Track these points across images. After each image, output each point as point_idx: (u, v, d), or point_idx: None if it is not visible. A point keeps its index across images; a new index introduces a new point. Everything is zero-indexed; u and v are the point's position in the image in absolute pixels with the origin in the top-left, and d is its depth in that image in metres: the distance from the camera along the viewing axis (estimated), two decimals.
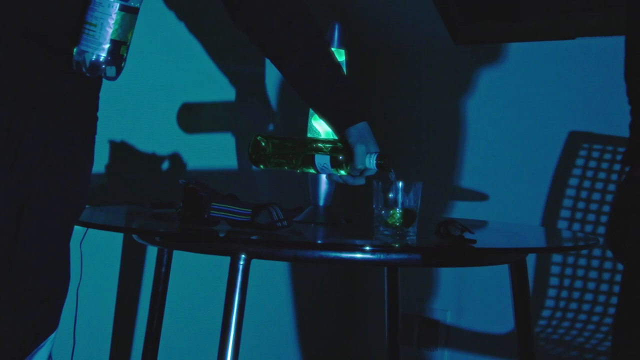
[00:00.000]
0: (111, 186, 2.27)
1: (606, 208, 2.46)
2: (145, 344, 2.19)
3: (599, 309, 2.44)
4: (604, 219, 2.46)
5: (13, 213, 1.36)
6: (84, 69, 1.35)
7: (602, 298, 2.44)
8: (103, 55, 1.34)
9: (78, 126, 1.43)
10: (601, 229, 2.47)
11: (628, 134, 1.61)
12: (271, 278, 2.71)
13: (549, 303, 2.51)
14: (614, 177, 2.46)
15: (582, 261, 2.48)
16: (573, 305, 2.48)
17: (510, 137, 2.65)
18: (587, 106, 2.50)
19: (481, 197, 2.69)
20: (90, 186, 1.48)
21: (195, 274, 2.44)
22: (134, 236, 1.88)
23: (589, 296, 2.46)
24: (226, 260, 1.59)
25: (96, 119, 1.48)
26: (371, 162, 1.59)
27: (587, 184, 2.50)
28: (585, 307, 2.46)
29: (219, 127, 2.55)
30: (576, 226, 2.51)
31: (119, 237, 2.30)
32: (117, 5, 1.34)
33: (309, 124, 1.96)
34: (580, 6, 2.57)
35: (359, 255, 1.59)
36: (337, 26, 1.98)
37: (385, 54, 2.95)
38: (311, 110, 1.92)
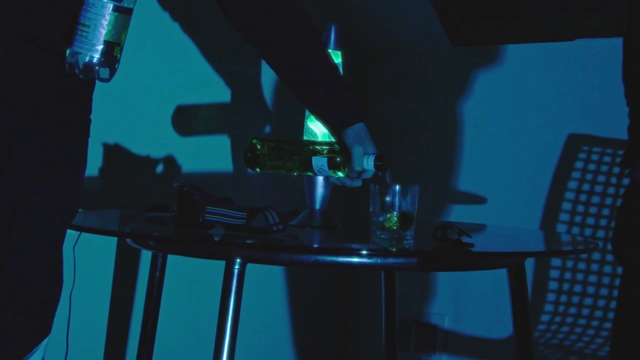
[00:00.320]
0: (105, 189, 2.27)
1: (606, 211, 2.46)
2: (140, 349, 2.18)
3: (598, 313, 2.44)
4: (603, 222, 2.47)
5: (4, 217, 1.36)
6: (77, 71, 1.35)
7: (601, 302, 2.44)
8: (96, 57, 1.34)
9: (71, 129, 1.43)
10: (601, 233, 2.47)
11: (627, 136, 1.60)
12: (267, 282, 2.71)
13: (548, 307, 2.51)
14: (613, 180, 2.46)
15: (582, 265, 2.48)
16: (572, 310, 2.48)
17: (509, 139, 2.66)
18: (587, 108, 2.51)
19: (479, 200, 2.70)
20: (83, 189, 1.48)
21: (190, 279, 2.44)
22: (128, 240, 1.87)
23: (588, 301, 2.46)
24: (221, 264, 1.58)
25: (89, 121, 1.47)
26: (369, 163, 1.59)
27: (586, 187, 2.50)
28: (585, 311, 2.46)
29: (213, 130, 2.55)
30: (575, 230, 2.51)
31: (112, 241, 2.29)
32: (110, 6, 1.34)
33: (305, 126, 1.95)
34: (580, 7, 2.58)
35: (355, 260, 1.59)
36: (333, 27, 1.98)
37: (383, 55, 2.96)
38: (307, 112, 1.92)
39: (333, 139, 1.66)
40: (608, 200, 2.47)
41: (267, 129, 2.69)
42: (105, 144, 2.25)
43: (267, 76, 2.62)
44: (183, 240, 1.68)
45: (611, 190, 2.47)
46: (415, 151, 2.86)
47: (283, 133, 2.66)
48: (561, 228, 2.52)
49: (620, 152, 2.42)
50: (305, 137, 1.95)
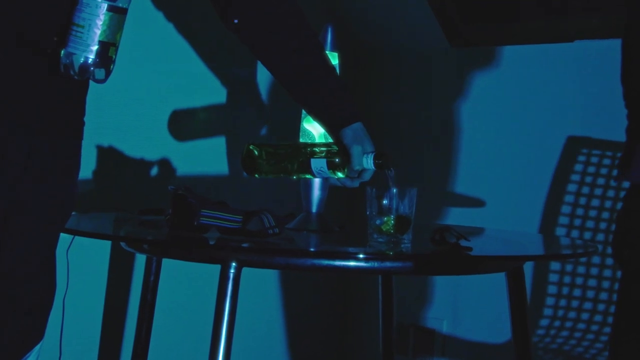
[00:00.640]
0: (98, 192, 2.27)
1: (605, 214, 2.47)
2: (134, 354, 2.18)
3: (598, 317, 2.45)
4: (603, 225, 2.47)
5: None
6: (72, 72, 1.34)
7: (601, 307, 2.45)
8: (91, 57, 1.34)
9: (64, 131, 1.42)
10: (600, 236, 2.48)
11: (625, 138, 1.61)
12: (263, 286, 2.71)
13: (547, 312, 2.51)
14: (613, 182, 2.47)
15: (581, 269, 2.49)
16: (572, 314, 2.49)
17: (508, 142, 2.66)
18: (586, 110, 2.51)
19: (477, 203, 2.70)
20: (77, 193, 1.47)
21: (185, 283, 2.44)
22: (122, 244, 1.87)
23: (587, 305, 2.47)
24: (216, 268, 1.58)
25: (83, 123, 1.47)
26: (368, 162, 1.59)
27: (585, 189, 2.51)
28: (584, 316, 2.47)
29: (209, 132, 2.55)
30: (575, 233, 2.51)
31: (106, 244, 2.29)
32: (105, 6, 1.33)
33: (301, 127, 1.95)
34: (579, 7, 2.58)
35: (352, 263, 1.58)
36: (330, 28, 1.98)
37: (380, 56, 2.96)
38: (303, 113, 1.93)
39: (330, 140, 1.66)
40: (608, 203, 2.47)
41: (263, 130, 2.69)
42: (99, 147, 2.25)
43: (263, 77, 2.63)
44: (178, 244, 1.68)
45: (611, 193, 2.48)
46: (412, 153, 2.86)
47: (279, 134, 2.67)
48: (560, 231, 2.52)
49: (620, 154, 2.41)
50: (301, 138, 1.95)
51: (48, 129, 1.38)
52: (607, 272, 2.45)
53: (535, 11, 2.70)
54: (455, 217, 2.75)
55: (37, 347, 1.42)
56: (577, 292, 2.48)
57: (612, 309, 2.39)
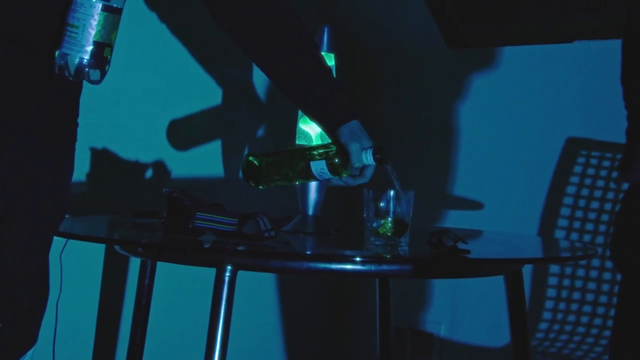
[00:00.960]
0: (92, 195, 2.26)
1: (605, 217, 2.47)
2: (128, 359, 2.17)
3: (597, 321, 2.44)
4: (602, 228, 2.47)
5: None
6: (66, 73, 1.34)
7: (601, 310, 2.44)
8: (86, 58, 1.33)
9: (58, 133, 1.42)
10: (600, 239, 2.47)
11: (625, 139, 1.60)
12: (259, 289, 2.70)
13: (546, 315, 2.51)
14: (613, 185, 2.47)
15: (581, 272, 2.48)
16: (571, 318, 2.48)
17: (506, 143, 2.66)
18: (586, 111, 2.51)
19: (476, 205, 2.70)
20: (70, 195, 1.47)
21: (180, 286, 2.44)
22: (116, 247, 1.87)
23: (587, 308, 2.46)
24: (212, 271, 1.58)
25: (76, 125, 1.46)
26: (368, 157, 1.57)
27: (585, 191, 2.51)
28: (584, 319, 2.46)
29: (204, 133, 2.55)
30: (574, 236, 2.51)
31: (100, 248, 2.29)
32: (99, 6, 1.33)
33: (297, 128, 1.95)
34: (579, 8, 2.59)
35: (349, 267, 1.59)
36: (326, 29, 1.98)
37: (378, 57, 2.96)
38: (299, 114, 1.92)
39: (328, 141, 1.65)
40: (607, 206, 2.47)
41: (259, 132, 2.69)
42: (93, 149, 2.25)
43: (259, 78, 2.62)
44: (172, 247, 1.69)
45: (610, 195, 2.47)
46: (410, 155, 2.86)
47: (275, 135, 2.67)
48: (559, 234, 2.52)
49: (620, 156, 2.41)
50: (298, 139, 1.94)
51: (42, 130, 1.38)
52: (607, 275, 2.45)
53: (535, 12, 2.71)
54: (453, 219, 2.75)
55: (30, 351, 1.42)
56: (576, 295, 2.47)
57: (612, 312, 2.40)
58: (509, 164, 2.64)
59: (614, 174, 2.45)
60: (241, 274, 1.58)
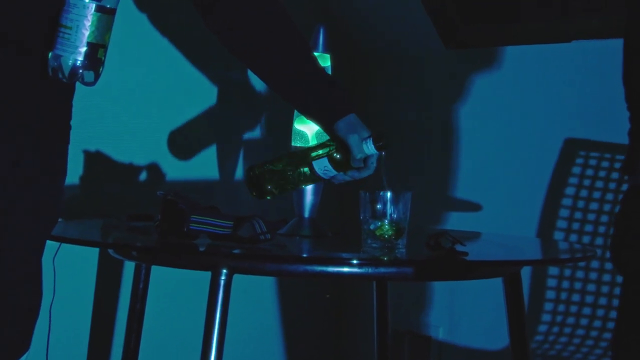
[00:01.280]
0: (86, 198, 2.27)
1: (604, 218, 2.47)
2: None
3: (597, 323, 2.44)
4: (602, 229, 2.47)
5: None
6: (60, 75, 1.33)
7: (600, 312, 2.44)
8: (80, 60, 1.32)
9: (50, 135, 1.41)
10: (599, 240, 2.47)
11: (627, 140, 1.59)
12: (255, 293, 2.69)
13: (546, 317, 2.51)
14: (612, 185, 2.46)
15: (580, 274, 2.48)
16: (570, 320, 2.48)
17: (505, 144, 2.66)
18: (585, 112, 2.51)
19: (474, 207, 2.69)
20: (63, 198, 1.46)
21: (175, 290, 2.44)
22: (110, 251, 1.87)
23: (587, 310, 2.46)
24: (207, 275, 1.58)
25: (69, 127, 1.45)
26: (369, 147, 1.57)
27: (584, 193, 2.50)
28: (584, 321, 2.46)
29: (199, 135, 2.55)
30: (573, 237, 2.51)
31: (94, 252, 2.29)
32: (92, 7, 1.32)
33: (293, 128, 1.94)
34: (579, 8, 2.59)
35: (346, 270, 1.59)
36: (321, 29, 1.98)
37: (376, 58, 2.96)
38: (295, 114, 1.92)
39: (327, 138, 1.64)
40: (606, 207, 2.47)
41: (255, 133, 2.68)
42: (86, 151, 2.25)
43: (254, 79, 2.62)
44: (167, 251, 1.68)
45: (610, 196, 2.47)
46: (408, 156, 2.85)
47: (272, 137, 2.67)
48: (558, 235, 2.52)
49: (620, 157, 2.42)
50: (293, 140, 1.94)
51: (34, 133, 1.37)
52: (607, 277, 2.44)
53: (536, 12, 2.71)
54: (451, 221, 2.75)
55: (23, 357, 1.41)
56: (575, 297, 2.47)
57: (612, 314, 2.41)
58: (507, 165, 2.64)
59: (614, 175, 2.45)
60: (238, 276, 1.57)
